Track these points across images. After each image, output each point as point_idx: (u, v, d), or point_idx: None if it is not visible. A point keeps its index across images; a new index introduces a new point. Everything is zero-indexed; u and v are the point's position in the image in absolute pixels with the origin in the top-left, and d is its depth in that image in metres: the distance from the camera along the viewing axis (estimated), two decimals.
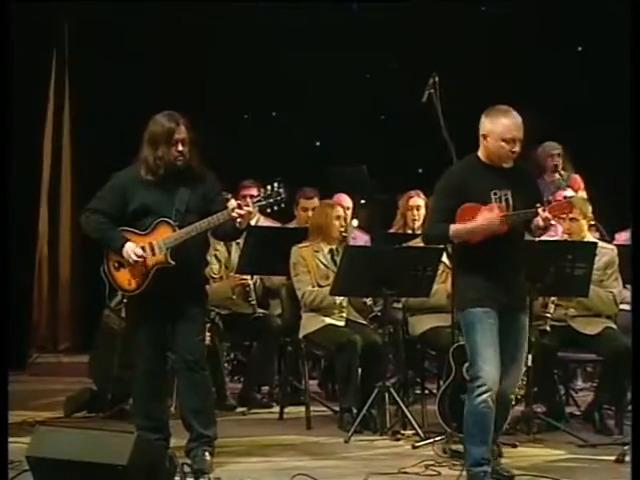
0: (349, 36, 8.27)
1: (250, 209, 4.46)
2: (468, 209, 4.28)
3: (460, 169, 4.49)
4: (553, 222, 4.37)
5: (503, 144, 4.30)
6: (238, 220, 4.45)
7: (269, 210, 4.57)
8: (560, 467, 4.84)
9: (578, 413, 5.78)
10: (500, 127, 4.30)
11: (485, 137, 4.35)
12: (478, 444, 4.29)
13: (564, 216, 4.40)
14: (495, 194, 4.29)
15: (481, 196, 4.29)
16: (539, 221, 4.27)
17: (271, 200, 4.50)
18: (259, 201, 4.50)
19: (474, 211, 4.27)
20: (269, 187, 4.50)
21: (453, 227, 4.29)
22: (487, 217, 4.24)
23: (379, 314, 5.64)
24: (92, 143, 8.10)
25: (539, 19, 8.08)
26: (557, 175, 7.36)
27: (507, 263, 4.33)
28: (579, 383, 6.72)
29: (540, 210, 4.23)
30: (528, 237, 4.52)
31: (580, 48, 8.35)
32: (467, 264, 4.38)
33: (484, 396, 4.24)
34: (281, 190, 4.48)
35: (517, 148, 4.32)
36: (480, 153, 4.40)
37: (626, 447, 4.85)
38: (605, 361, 5.54)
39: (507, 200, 4.30)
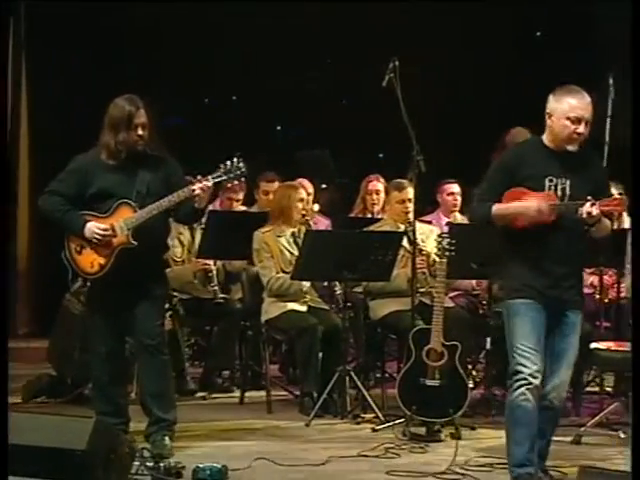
0: (312, 20, 8.26)
1: (209, 184, 4.42)
2: (514, 193, 4.00)
3: (519, 149, 4.20)
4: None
5: (567, 123, 3.99)
6: (196, 194, 4.40)
7: (229, 185, 4.53)
8: None
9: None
10: (565, 105, 4.00)
11: (550, 116, 4.05)
12: (520, 443, 4.02)
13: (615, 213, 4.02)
14: (551, 181, 4.00)
15: (535, 181, 4.01)
16: (583, 214, 3.94)
17: (231, 175, 4.47)
18: (219, 176, 4.48)
19: (520, 195, 3.99)
20: (228, 162, 4.47)
21: (495, 207, 4.02)
22: (529, 202, 3.95)
23: (349, 304, 5.66)
24: (49, 127, 8.01)
25: (496, 4, 8.15)
26: None
27: (555, 255, 4.02)
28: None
29: (588, 204, 3.91)
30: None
31: (539, 33, 8.44)
32: (512, 251, 4.10)
33: (522, 389, 3.98)
34: (241, 164, 4.45)
35: (582, 129, 4.01)
36: (545, 135, 4.10)
37: (582, 428, 4.92)
38: None
39: (564, 189, 4.01)
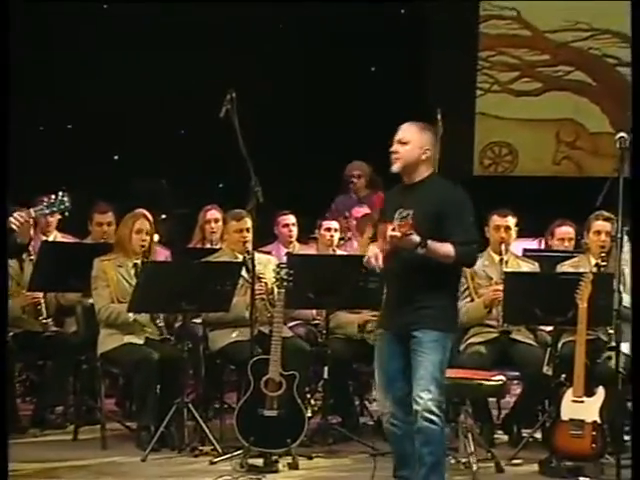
0: (152, 51, 8.23)
1: (25, 218, 4.32)
2: (381, 228, 4.28)
3: (390, 190, 4.49)
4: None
5: None
6: (12, 226, 4.28)
7: (52, 218, 4.47)
8: (353, 476, 4.98)
9: (372, 423, 5.93)
10: None
11: None
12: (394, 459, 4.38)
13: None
14: (400, 213, 4.15)
15: (390, 214, 4.21)
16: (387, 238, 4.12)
17: (54, 208, 4.39)
18: (41, 210, 4.40)
19: (382, 230, 4.25)
20: (52, 195, 4.40)
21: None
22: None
23: (169, 337, 5.61)
24: None
25: (333, 39, 8.36)
26: (361, 193, 7.65)
27: (394, 281, 4.26)
28: (373, 394, 6.89)
29: (389, 227, 4.10)
30: None
31: (373, 68, 8.70)
32: None
33: (384, 420, 4.35)
34: (65, 199, 4.39)
35: (394, 148, 4.25)
36: None
37: None
38: None
39: (407, 219, 4.13)
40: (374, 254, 4.21)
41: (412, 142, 4.25)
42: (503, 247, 5.68)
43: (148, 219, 5.88)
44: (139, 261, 5.68)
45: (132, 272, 5.64)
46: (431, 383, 4.14)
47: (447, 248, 4.15)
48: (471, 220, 4.25)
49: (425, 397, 4.12)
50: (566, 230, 6.46)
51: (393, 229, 4.06)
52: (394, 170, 4.28)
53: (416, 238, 4.06)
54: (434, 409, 4.13)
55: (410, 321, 4.19)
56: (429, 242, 4.10)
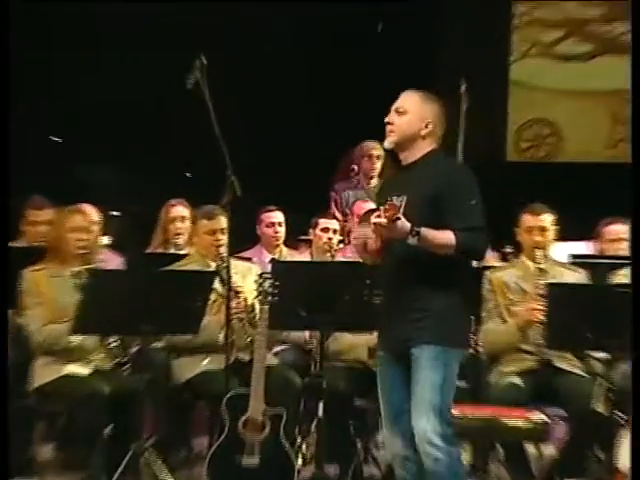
0: (104, 21, 8.30)
1: None
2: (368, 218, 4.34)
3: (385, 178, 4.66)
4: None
5: None
6: None
7: None
8: None
9: (378, 473, 5.95)
10: None
11: None
12: None
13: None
14: (394, 199, 4.25)
15: (384, 200, 4.29)
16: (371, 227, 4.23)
17: None
18: None
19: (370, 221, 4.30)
20: None
21: None
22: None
23: (124, 362, 5.64)
24: None
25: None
26: (374, 182, 7.60)
27: (390, 291, 4.40)
28: (379, 437, 6.90)
29: (374, 215, 4.19)
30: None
31: (381, 27, 8.78)
32: None
33: (395, 464, 4.42)
34: None
35: (390, 118, 4.41)
36: None
37: None
38: None
39: (394, 203, 4.25)
40: (363, 233, 4.29)
41: (411, 112, 4.39)
42: (539, 253, 5.68)
43: (87, 214, 5.84)
44: (80, 269, 5.67)
45: (71, 283, 5.64)
46: (430, 409, 4.20)
47: (445, 236, 4.24)
48: (475, 203, 4.32)
49: (423, 427, 4.21)
50: (617, 229, 6.47)
51: (378, 215, 4.10)
52: (387, 146, 4.44)
53: (405, 224, 4.14)
54: (436, 441, 4.19)
55: (406, 336, 4.29)
56: (422, 229, 4.17)
